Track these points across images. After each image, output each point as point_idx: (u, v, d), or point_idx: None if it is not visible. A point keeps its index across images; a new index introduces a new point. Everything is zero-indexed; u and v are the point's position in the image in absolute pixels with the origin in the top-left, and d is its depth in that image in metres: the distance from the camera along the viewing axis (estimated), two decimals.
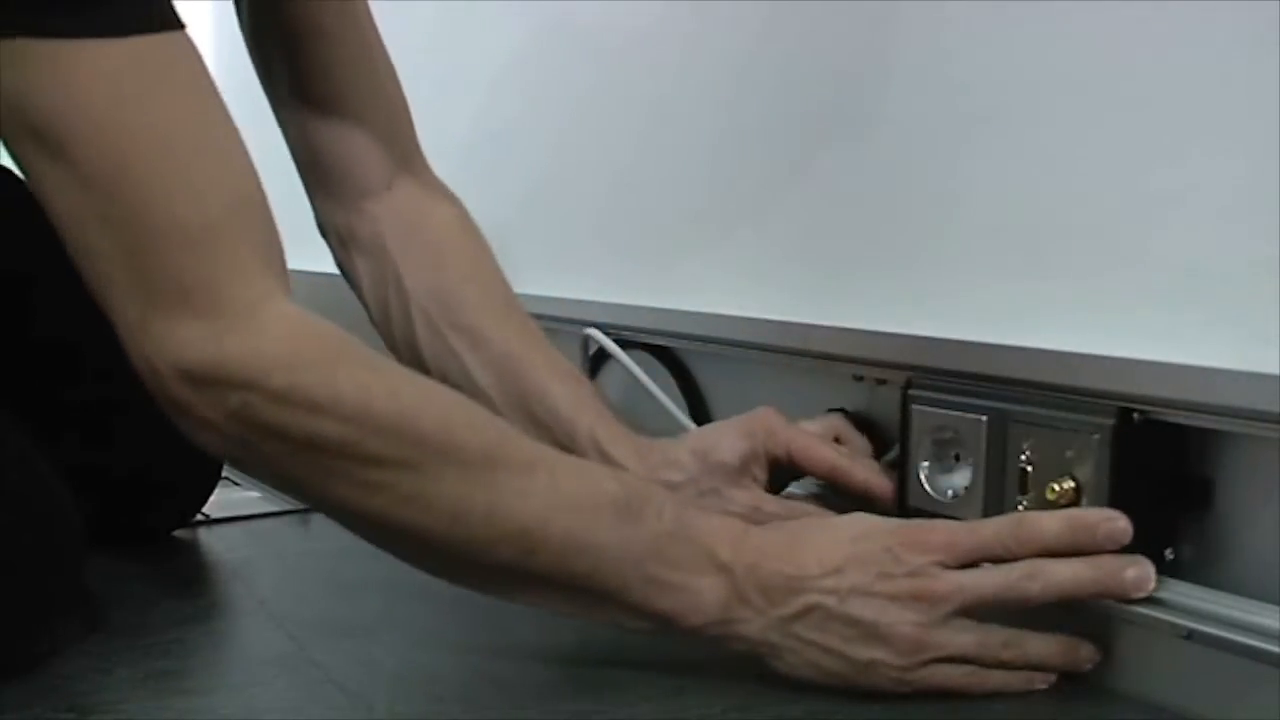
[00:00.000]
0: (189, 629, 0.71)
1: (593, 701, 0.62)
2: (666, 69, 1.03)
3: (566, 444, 0.74)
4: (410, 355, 0.81)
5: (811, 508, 0.73)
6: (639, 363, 1.09)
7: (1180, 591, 0.62)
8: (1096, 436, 0.63)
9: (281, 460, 0.58)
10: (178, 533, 0.92)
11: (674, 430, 0.98)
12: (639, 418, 1.05)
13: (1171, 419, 0.62)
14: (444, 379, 0.76)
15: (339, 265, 0.86)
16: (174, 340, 0.56)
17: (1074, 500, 0.64)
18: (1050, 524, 0.60)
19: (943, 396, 0.72)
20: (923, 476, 0.73)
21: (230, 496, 0.99)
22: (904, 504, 0.74)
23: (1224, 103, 0.61)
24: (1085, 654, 0.62)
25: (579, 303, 1.12)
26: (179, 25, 0.59)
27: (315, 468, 0.57)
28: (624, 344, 1.11)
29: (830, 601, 0.58)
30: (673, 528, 0.58)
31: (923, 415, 0.73)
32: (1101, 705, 0.63)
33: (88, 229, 0.57)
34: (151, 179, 0.56)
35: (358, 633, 0.72)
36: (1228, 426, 0.61)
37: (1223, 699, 0.60)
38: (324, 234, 0.85)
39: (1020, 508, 0.67)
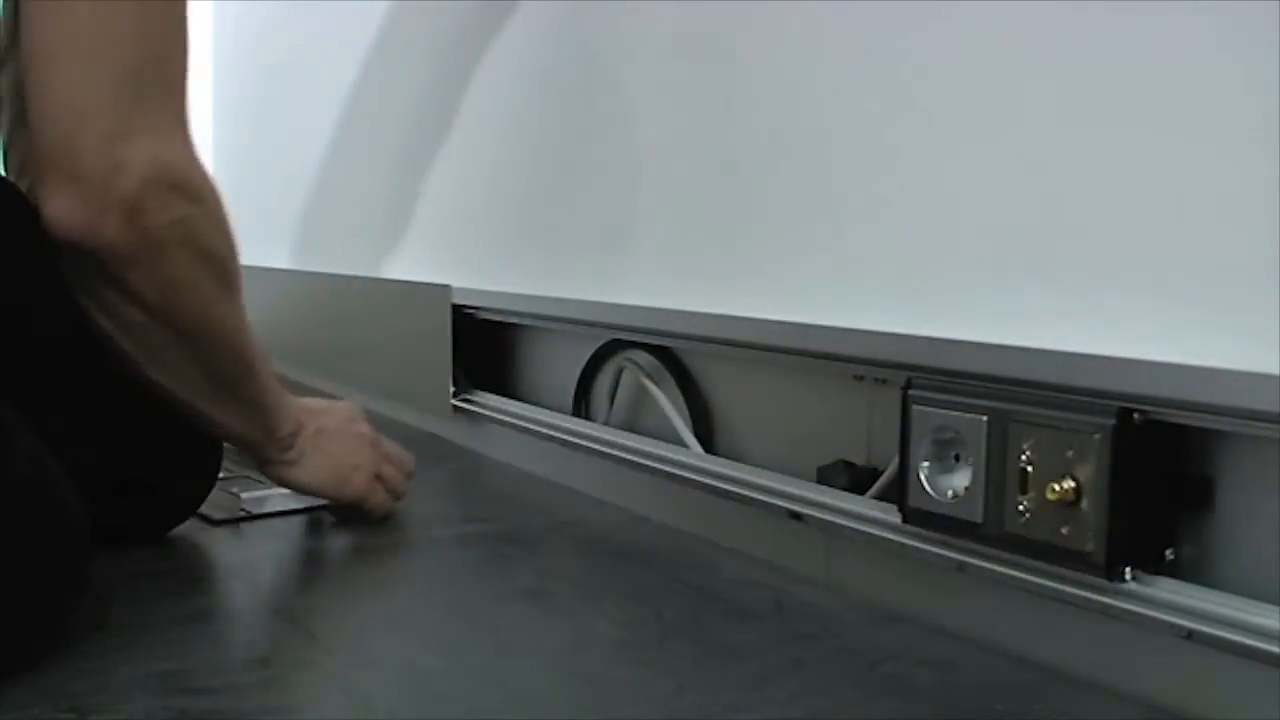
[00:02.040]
0: (189, 629, 0.71)
1: (593, 701, 0.62)
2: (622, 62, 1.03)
3: None
4: None
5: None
6: (639, 363, 1.10)
7: (1180, 591, 0.62)
8: (1096, 436, 0.63)
9: (178, 264, 0.73)
10: (177, 532, 0.92)
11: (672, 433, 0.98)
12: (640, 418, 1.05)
13: (1171, 419, 0.62)
14: None
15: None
16: (157, 150, 0.69)
17: (1074, 500, 0.64)
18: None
19: (943, 396, 0.72)
20: (923, 476, 0.73)
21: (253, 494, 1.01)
22: (904, 504, 0.74)
23: (1224, 102, 0.61)
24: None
25: (585, 304, 1.12)
26: None
27: (199, 275, 0.75)
28: (624, 344, 1.11)
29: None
30: (287, 432, 0.88)
31: (923, 415, 0.73)
32: (1101, 705, 0.63)
33: (106, 49, 0.68)
34: (170, 17, 0.71)
35: (358, 633, 0.72)
36: (1228, 426, 0.61)
37: (1223, 699, 0.60)
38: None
39: (1020, 508, 0.67)
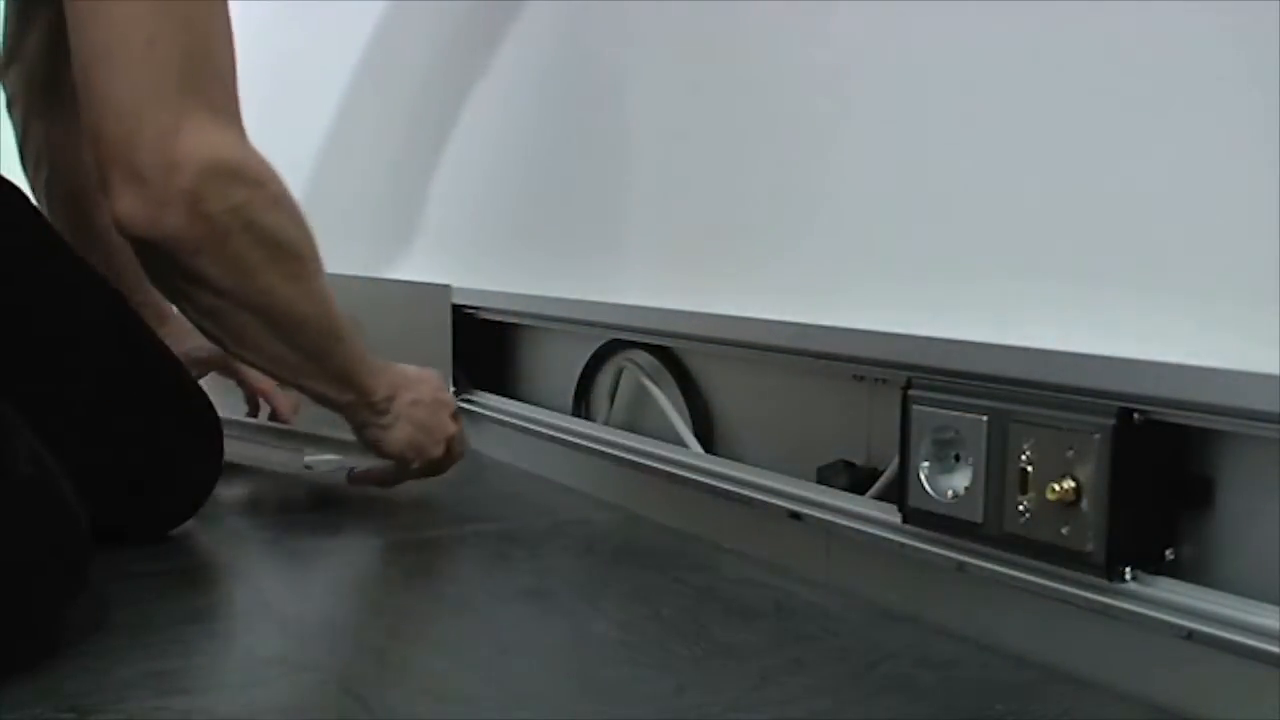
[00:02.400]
0: (189, 629, 0.71)
1: (593, 701, 0.62)
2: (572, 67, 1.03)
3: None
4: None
5: None
6: (639, 363, 1.10)
7: (1180, 591, 0.62)
8: (1096, 436, 0.63)
9: (243, 247, 0.75)
10: (177, 532, 0.92)
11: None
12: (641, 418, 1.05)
13: (1171, 419, 0.62)
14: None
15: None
16: (210, 141, 0.71)
17: (1074, 500, 0.64)
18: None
19: (943, 396, 0.72)
20: (923, 476, 0.73)
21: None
22: (904, 504, 0.74)
23: (1224, 103, 0.61)
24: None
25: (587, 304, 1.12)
26: None
27: (265, 257, 0.76)
28: (624, 344, 1.11)
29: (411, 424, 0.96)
30: (381, 400, 0.91)
31: (923, 415, 0.73)
32: (1101, 705, 0.63)
33: (154, 49, 0.69)
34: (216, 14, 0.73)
35: (358, 633, 0.72)
36: (1228, 426, 0.61)
37: (1223, 699, 0.60)
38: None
39: (1020, 508, 0.67)
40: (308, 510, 1.05)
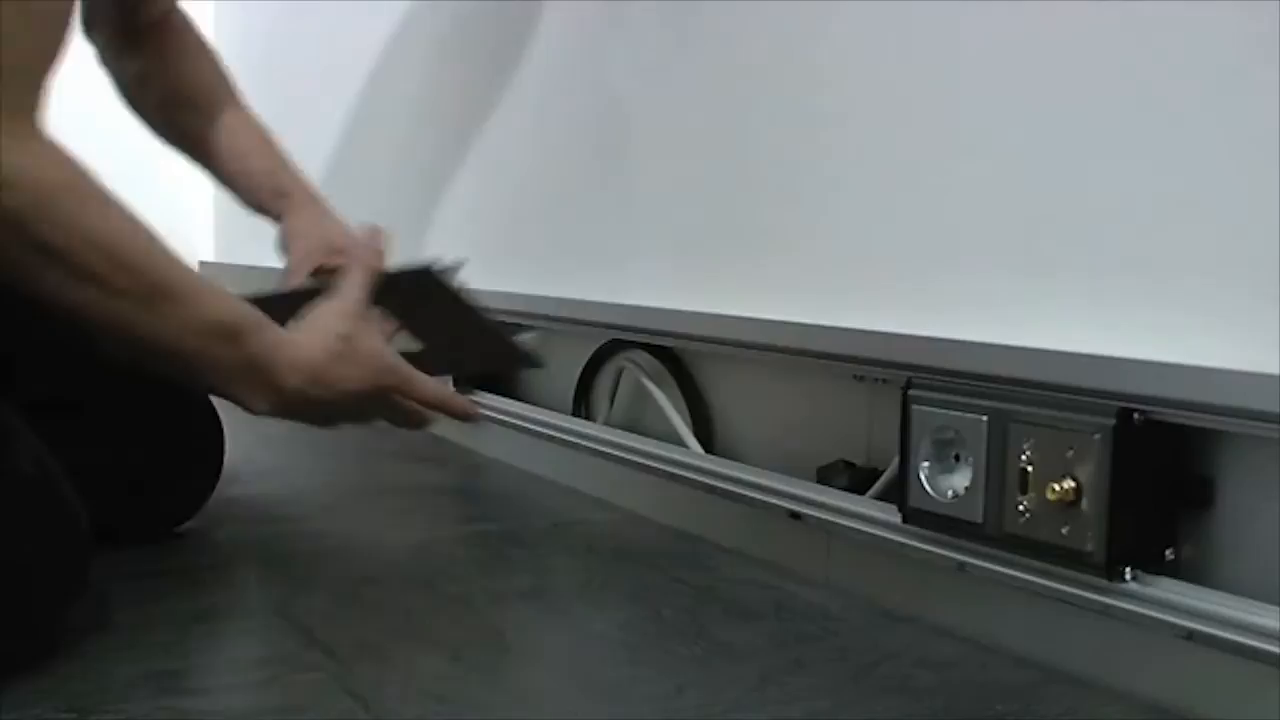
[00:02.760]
0: (189, 629, 0.71)
1: (593, 701, 0.62)
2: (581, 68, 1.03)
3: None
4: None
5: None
6: (640, 363, 1.10)
7: (1180, 591, 0.62)
8: (1096, 436, 0.63)
9: (12, 254, 0.68)
10: (177, 532, 0.92)
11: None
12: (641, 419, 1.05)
13: (1171, 419, 0.62)
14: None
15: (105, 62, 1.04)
16: None
17: (1074, 500, 0.64)
18: (451, 406, 0.86)
19: (943, 396, 0.72)
20: (923, 476, 0.73)
21: None
22: (904, 504, 0.74)
23: (1224, 103, 0.61)
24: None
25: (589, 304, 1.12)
26: None
27: (34, 263, 0.69)
28: (624, 344, 1.11)
29: (332, 414, 0.81)
30: (259, 354, 0.76)
31: (923, 415, 0.73)
32: (1101, 705, 0.63)
33: None
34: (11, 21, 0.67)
35: (358, 632, 0.72)
36: (1228, 426, 0.61)
37: (1223, 699, 0.60)
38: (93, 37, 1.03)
39: (1020, 508, 0.67)
40: (308, 510, 1.06)
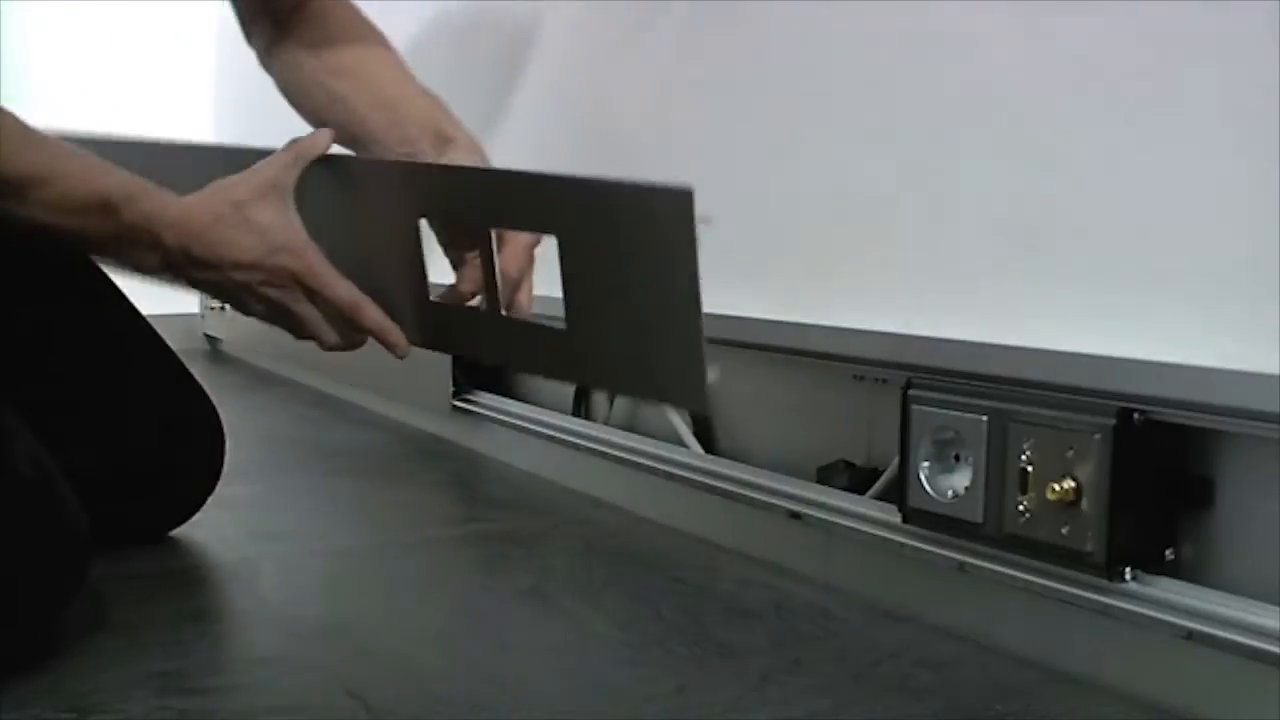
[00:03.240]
0: (189, 629, 0.71)
1: (593, 701, 0.62)
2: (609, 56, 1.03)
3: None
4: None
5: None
6: None
7: (1180, 591, 0.62)
8: (1097, 436, 0.63)
9: None
10: (177, 532, 0.92)
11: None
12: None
13: (1171, 419, 0.62)
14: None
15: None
16: None
17: (1074, 500, 0.64)
18: (366, 321, 0.79)
19: (943, 396, 0.72)
20: (923, 476, 0.73)
21: None
22: (904, 504, 0.74)
23: (1224, 103, 0.61)
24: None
25: None
26: None
27: None
28: None
29: (226, 283, 0.78)
30: (137, 222, 0.76)
31: (923, 415, 0.73)
32: (1101, 705, 0.63)
33: None
34: None
35: (358, 633, 0.72)
36: (1228, 426, 0.61)
37: (1223, 699, 0.60)
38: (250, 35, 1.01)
39: (1020, 508, 0.67)
40: (307, 510, 1.06)
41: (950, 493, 0.72)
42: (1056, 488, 0.64)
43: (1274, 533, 0.60)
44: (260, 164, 0.80)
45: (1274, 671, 0.57)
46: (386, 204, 0.80)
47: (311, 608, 0.78)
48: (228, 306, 0.81)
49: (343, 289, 0.78)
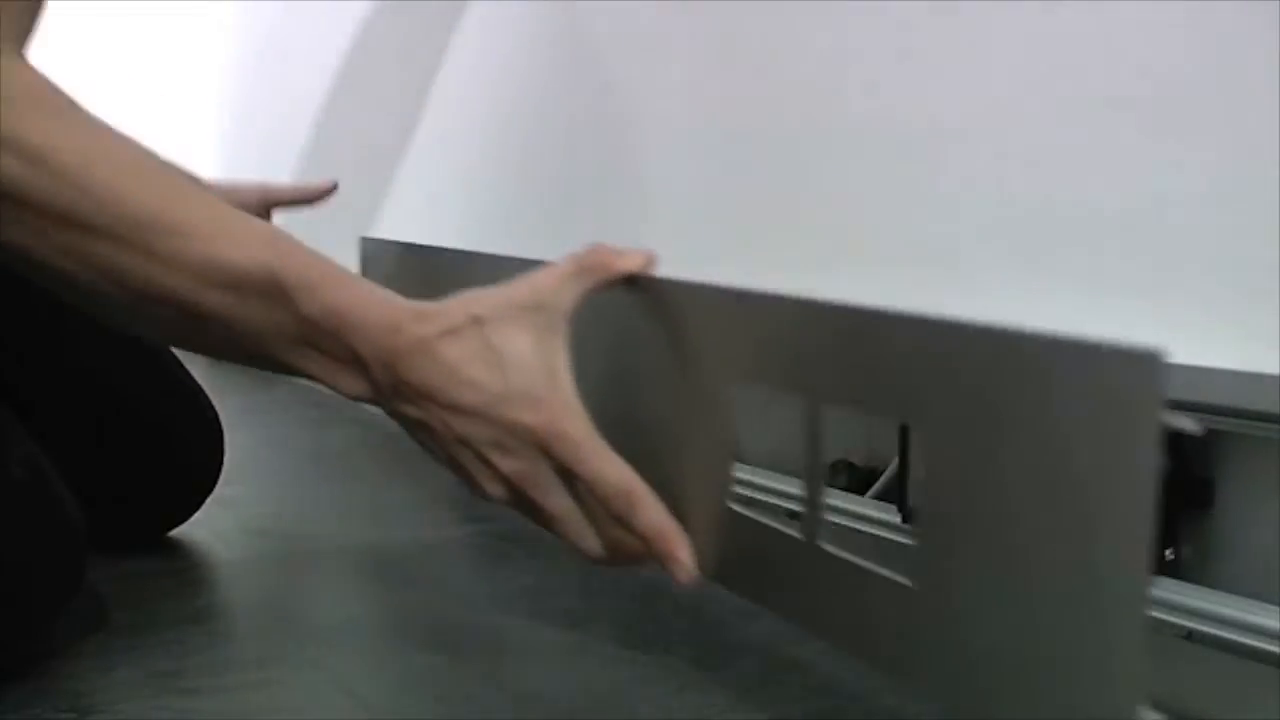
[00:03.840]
0: (189, 629, 0.71)
1: (593, 701, 0.62)
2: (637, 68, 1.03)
3: None
4: None
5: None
6: None
7: (1180, 591, 0.62)
8: None
9: None
10: (177, 532, 0.92)
11: None
12: None
13: (1171, 420, 0.62)
14: None
15: None
16: None
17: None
18: (642, 521, 0.58)
19: None
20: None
21: None
22: (904, 504, 0.74)
23: (1224, 103, 0.61)
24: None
25: None
26: None
27: None
28: None
29: (439, 428, 0.57)
30: (319, 314, 0.56)
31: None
32: None
33: None
34: None
35: (358, 633, 0.72)
36: (1228, 426, 0.61)
37: (1223, 699, 0.60)
38: None
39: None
40: (307, 510, 1.05)
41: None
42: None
43: (1274, 533, 0.60)
44: (530, 273, 0.59)
45: (1274, 671, 0.57)
46: (704, 351, 0.58)
47: (311, 608, 0.77)
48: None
49: (613, 469, 0.56)
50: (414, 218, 1.51)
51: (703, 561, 0.57)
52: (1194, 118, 0.62)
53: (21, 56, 0.57)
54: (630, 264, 0.62)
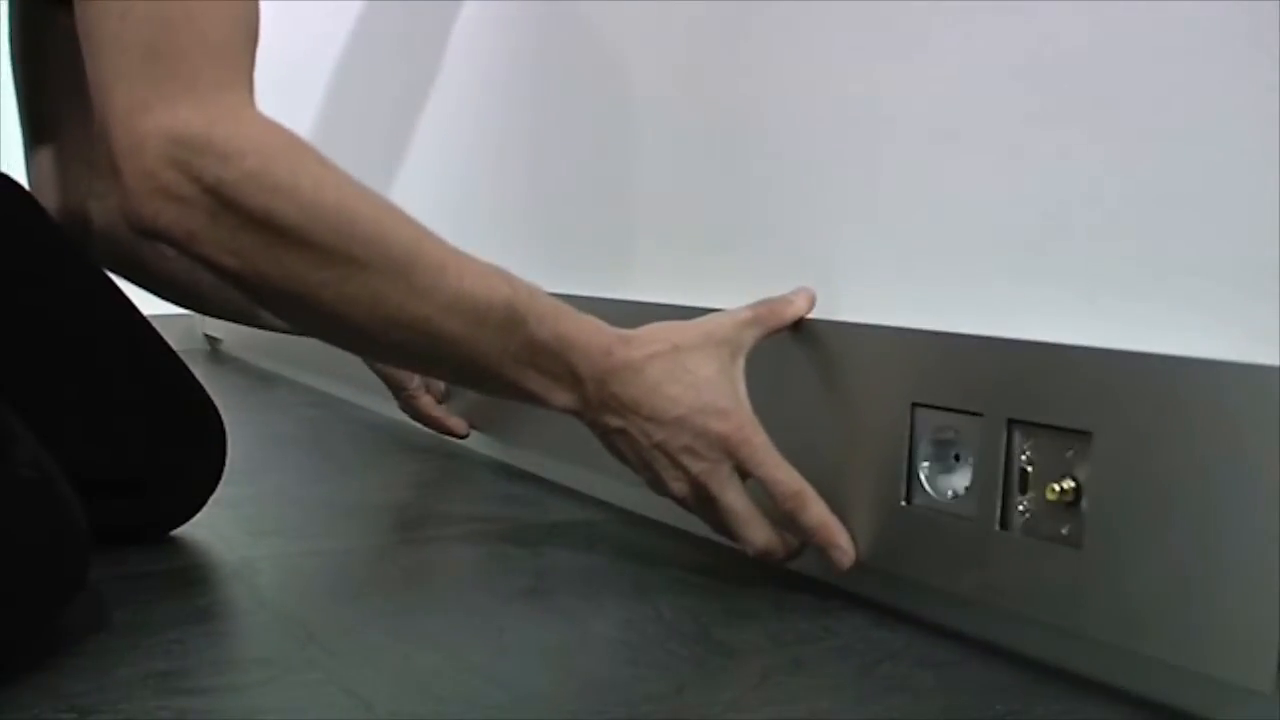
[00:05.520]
0: (189, 629, 0.71)
1: (593, 701, 0.62)
2: (624, 67, 1.03)
3: None
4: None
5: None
6: None
7: None
8: None
9: (237, 235, 0.64)
10: (177, 532, 0.92)
11: None
12: None
13: None
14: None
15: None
16: (173, 117, 0.63)
17: (1074, 500, 0.64)
18: (809, 516, 0.71)
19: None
20: (923, 476, 0.73)
21: None
22: (906, 504, 0.74)
23: (1224, 103, 0.61)
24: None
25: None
26: None
27: (264, 245, 0.64)
28: None
29: (640, 437, 0.69)
30: (547, 338, 0.68)
31: (923, 415, 0.73)
32: (1101, 705, 0.63)
33: (124, 24, 0.63)
34: None
35: (358, 633, 0.72)
36: None
37: (1222, 699, 0.60)
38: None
39: (1020, 508, 0.67)
40: (308, 510, 1.06)
41: (950, 493, 0.72)
42: (1056, 488, 0.64)
43: None
44: (713, 316, 0.73)
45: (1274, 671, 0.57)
46: (876, 387, 0.73)
47: (311, 608, 0.78)
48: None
49: (786, 472, 0.69)
50: None
51: (866, 550, 0.71)
52: (1194, 116, 0.62)
53: (256, 108, 0.67)
54: (798, 310, 0.76)
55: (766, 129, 0.92)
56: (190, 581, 0.83)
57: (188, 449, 0.92)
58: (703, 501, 0.70)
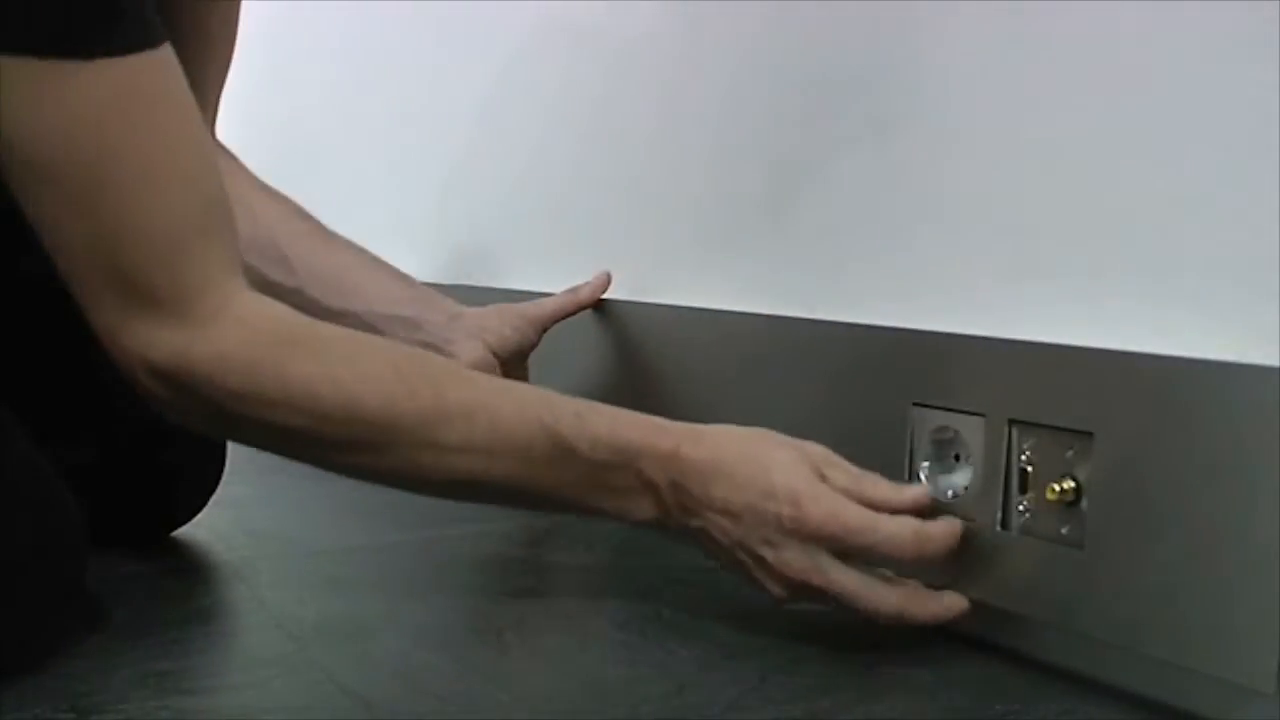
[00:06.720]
0: (189, 629, 0.71)
1: (593, 701, 0.62)
2: (671, 70, 1.03)
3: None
4: None
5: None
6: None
7: None
8: None
9: (259, 440, 0.66)
10: (178, 532, 0.92)
11: None
12: None
13: None
14: None
15: None
16: (147, 343, 0.62)
17: (1074, 500, 0.64)
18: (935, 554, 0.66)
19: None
20: (923, 476, 0.73)
21: None
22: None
23: (1224, 103, 0.61)
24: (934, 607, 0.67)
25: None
26: (160, 40, 0.61)
27: (287, 447, 0.65)
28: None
29: (719, 535, 0.66)
30: (606, 456, 0.65)
31: (923, 415, 0.73)
32: (1101, 705, 0.63)
33: (72, 242, 0.61)
34: (128, 199, 0.60)
35: (358, 633, 0.72)
36: None
37: (1223, 699, 0.60)
38: None
39: (1020, 508, 0.67)
40: (308, 510, 1.06)
41: (950, 493, 0.72)
42: (1056, 488, 0.64)
43: None
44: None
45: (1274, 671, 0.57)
46: (876, 387, 0.76)
47: (311, 608, 0.77)
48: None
49: (886, 525, 0.64)
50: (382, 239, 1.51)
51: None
52: (1194, 116, 0.62)
53: (247, 288, 0.65)
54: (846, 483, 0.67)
55: (761, 129, 0.92)
56: (190, 581, 0.83)
57: (188, 449, 0.92)
58: (812, 592, 0.65)
